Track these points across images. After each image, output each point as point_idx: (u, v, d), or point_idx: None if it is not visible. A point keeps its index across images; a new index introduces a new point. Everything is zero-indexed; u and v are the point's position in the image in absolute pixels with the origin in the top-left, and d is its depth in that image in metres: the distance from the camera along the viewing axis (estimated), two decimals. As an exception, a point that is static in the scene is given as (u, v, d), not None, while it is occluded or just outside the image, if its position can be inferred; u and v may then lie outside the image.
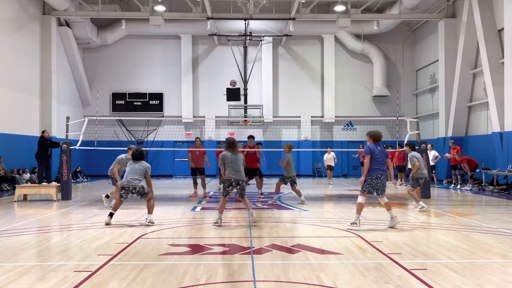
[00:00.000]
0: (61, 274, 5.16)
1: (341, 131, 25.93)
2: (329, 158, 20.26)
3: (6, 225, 8.63)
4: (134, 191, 8.68)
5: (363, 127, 25.57)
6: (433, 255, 6.10)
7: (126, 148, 11.78)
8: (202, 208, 11.50)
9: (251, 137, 14.52)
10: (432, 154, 17.05)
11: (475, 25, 18.30)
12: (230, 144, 8.64)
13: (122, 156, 11.21)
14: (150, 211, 8.72)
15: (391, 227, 8.04)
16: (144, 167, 8.85)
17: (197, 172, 14.27)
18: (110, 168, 11.34)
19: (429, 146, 16.41)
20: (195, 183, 14.43)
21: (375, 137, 8.14)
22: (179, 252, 6.32)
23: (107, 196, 11.28)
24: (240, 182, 8.50)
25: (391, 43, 25.93)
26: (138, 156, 8.91)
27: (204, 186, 14.24)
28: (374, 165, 7.97)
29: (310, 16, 21.54)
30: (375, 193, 8.08)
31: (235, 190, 8.61)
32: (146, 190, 8.76)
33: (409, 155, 11.19)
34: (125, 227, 8.41)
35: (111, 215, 8.68)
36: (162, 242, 6.97)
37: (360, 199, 8.12)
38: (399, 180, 19.28)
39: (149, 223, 8.51)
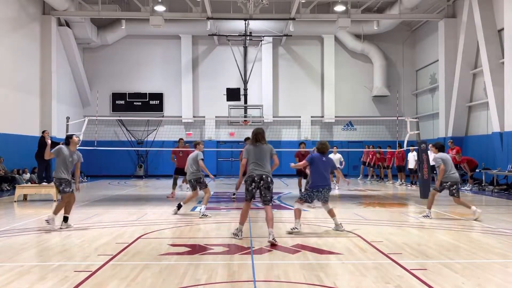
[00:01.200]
0: (61, 274, 5.16)
1: (341, 131, 25.94)
2: (335, 159, 17.89)
3: (6, 225, 8.62)
4: (56, 183, 8.29)
5: (363, 127, 25.59)
6: (433, 255, 6.10)
7: (126, 149, 11.66)
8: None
9: (248, 139, 14.35)
10: (433, 154, 17.04)
11: (475, 25, 18.30)
12: (253, 135, 7.29)
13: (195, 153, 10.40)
14: (54, 211, 8.22)
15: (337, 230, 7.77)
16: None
17: (180, 172, 13.75)
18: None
19: (430, 146, 16.41)
20: (175, 184, 14.23)
21: (319, 149, 7.85)
22: (179, 252, 6.32)
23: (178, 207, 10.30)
24: (264, 177, 7.01)
25: (391, 43, 25.93)
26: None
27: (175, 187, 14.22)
28: (315, 178, 7.67)
29: (310, 16, 21.54)
30: (312, 202, 7.90)
31: (256, 190, 7.11)
32: (61, 187, 8.17)
33: (435, 156, 9.78)
34: (125, 227, 8.42)
35: (65, 219, 8.28)
36: (162, 242, 6.97)
37: (297, 205, 7.74)
38: (398, 180, 19.28)
39: (47, 222, 8.08)
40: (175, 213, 10.04)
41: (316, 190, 7.70)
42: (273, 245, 6.65)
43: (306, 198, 7.76)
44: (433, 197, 9.71)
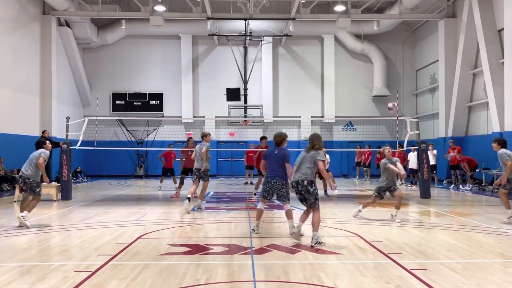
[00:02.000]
0: (61, 274, 5.16)
1: (341, 131, 25.93)
2: None
3: (6, 225, 8.62)
4: (27, 181, 8.56)
5: (363, 127, 25.58)
6: (433, 255, 6.10)
7: (126, 149, 11.96)
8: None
9: (264, 138, 14.70)
10: (433, 153, 17.07)
11: (475, 25, 18.29)
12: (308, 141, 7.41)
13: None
14: (29, 210, 8.53)
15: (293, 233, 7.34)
16: (33, 156, 8.69)
17: (189, 172, 13.51)
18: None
19: (430, 146, 16.44)
20: (182, 184, 14.16)
21: (274, 141, 7.83)
22: (179, 252, 6.32)
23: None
24: (300, 182, 7.05)
25: (391, 43, 25.92)
26: (36, 145, 9.06)
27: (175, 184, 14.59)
28: (267, 169, 7.74)
29: (310, 16, 21.54)
30: (271, 198, 7.93)
31: (297, 194, 7.20)
32: (37, 190, 8.58)
33: (498, 153, 8.99)
34: (125, 227, 8.42)
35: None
36: (162, 242, 6.97)
37: (259, 205, 7.84)
38: (399, 180, 19.26)
39: (21, 225, 8.30)
40: (188, 211, 10.11)
41: (266, 181, 7.63)
42: (314, 248, 6.62)
43: (264, 194, 7.70)
44: (505, 197, 9.07)
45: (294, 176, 7.17)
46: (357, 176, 22.56)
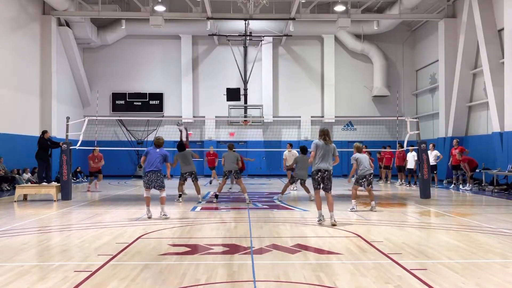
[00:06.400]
0: (61, 274, 5.16)
1: (341, 131, 25.93)
2: (289, 156, 15.73)
3: (6, 225, 8.62)
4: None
5: (363, 127, 25.59)
6: (433, 255, 6.10)
7: (126, 149, 12.16)
8: (202, 208, 11.50)
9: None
10: (433, 154, 17.07)
11: (475, 25, 18.30)
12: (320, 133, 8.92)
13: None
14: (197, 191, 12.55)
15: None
16: (188, 154, 12.78)
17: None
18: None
19: (430, 146, 16.45)
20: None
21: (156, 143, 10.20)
22: (179, 252, 6.32)
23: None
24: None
25: (391, 43, 25.92)
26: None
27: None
28: (147, 164, 9.94)
29: (310, 16, 21.54)
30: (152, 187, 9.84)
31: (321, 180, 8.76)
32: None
33: None
34: (125, 227, 8.42)
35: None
36: (162, 242, 6.97)
37: (145, 193, 9.96)
38: (398, 180, 19.27)
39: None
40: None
41: (145, 174, 9.87)
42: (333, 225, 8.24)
43: (145, 184, 9.83)
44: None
45: (320, 165, 8.51)
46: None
